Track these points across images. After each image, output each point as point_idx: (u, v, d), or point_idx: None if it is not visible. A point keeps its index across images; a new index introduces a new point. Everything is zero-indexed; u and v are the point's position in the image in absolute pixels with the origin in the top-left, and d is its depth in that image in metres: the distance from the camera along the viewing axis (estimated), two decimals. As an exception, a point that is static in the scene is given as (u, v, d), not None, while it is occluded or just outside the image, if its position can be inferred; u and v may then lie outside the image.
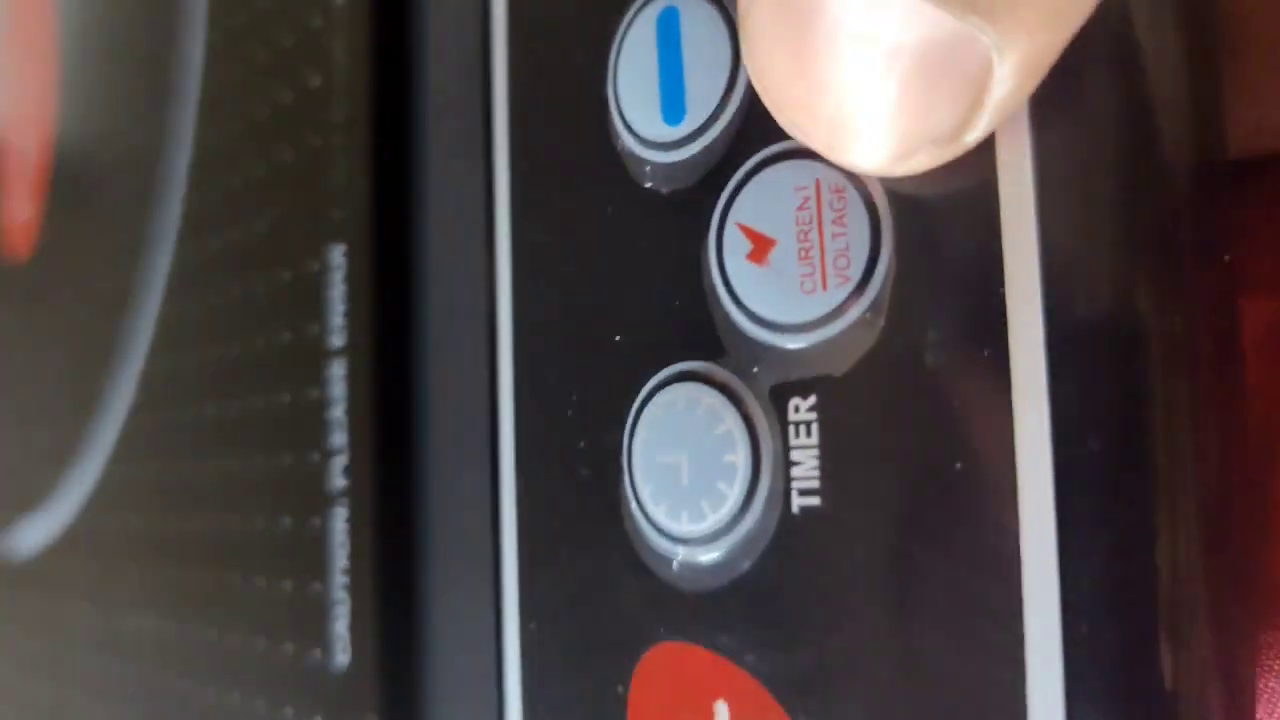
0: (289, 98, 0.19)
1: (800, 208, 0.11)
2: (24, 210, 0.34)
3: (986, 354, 0.10)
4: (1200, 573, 0.10)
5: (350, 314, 0.17)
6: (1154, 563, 0.10)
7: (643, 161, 0.13)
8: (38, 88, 0.33)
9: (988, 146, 0.10)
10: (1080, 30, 0.09)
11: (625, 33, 0.13)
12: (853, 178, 0.11)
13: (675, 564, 0.12)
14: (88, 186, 0.29)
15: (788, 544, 0.11)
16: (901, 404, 0.10)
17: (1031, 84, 0.09)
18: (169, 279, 0.23)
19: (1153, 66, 0.11)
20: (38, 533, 0.31)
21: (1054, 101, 0.10)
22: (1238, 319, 0.11)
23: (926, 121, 0.09)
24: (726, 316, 0.12)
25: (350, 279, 0.17)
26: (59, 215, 0.31)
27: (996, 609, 0.10)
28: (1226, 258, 0.11)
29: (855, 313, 0.11)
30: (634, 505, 0.12)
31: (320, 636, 0.17)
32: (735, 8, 0.12)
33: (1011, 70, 0.09)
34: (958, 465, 0.10)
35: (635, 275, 0.13)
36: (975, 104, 0.09)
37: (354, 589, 0.17)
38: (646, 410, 0.12)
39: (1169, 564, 0.10)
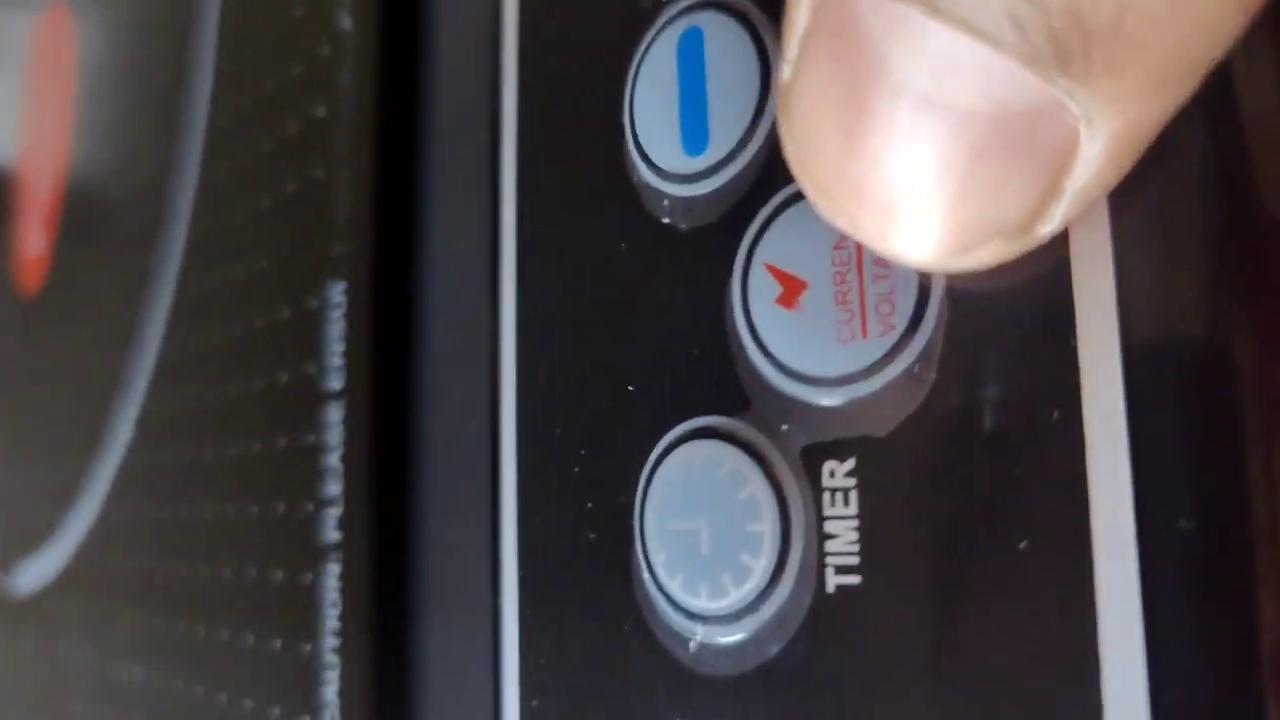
0: (294, 128, 0.18)
1: (837, 246, 0.10)
2: (37, 244, 0.34)
3: (1056, 416, 0.09)
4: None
5: (349, 355, 0.16)
6: (1259, 669, 0.08)
7: (661, 195, 0.11)
8: (55, 123, 0.33)
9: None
10: None
11: (644, 56, 0.12)
12: (897, 213, 0.10)
13: (693, 644, 0.11)
14: (96, 221, 0.29)
15: (821, 628, 0.10)
16: (956, 472, 0.09)
17: (1122, 167, 0.08)
18: (170, 315, 0.22)
19: (1244, 108, 0.09)
20: (38, 572, 0.30)
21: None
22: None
23: (994, 208, 0.08)
24: (752, 367, 0.10)
25: (349, 318, 0.16)
26: (69, 249, 0.31)
27: (1071, 716, 0.08)
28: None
29: (901, 365, 0.09)
30: (646, 575, 0.11)
31: (309, 702, 0.16)
32: (765, 25, 0.11)
33: (1101, 149, 0.08)
34: (1022, 545, 0.09)
35: (651, 319, 0.11)
36: (1053, 189, 0.08)
37: (345, 652, 0.16)
38: (660, 469, 0.11)
39: (1277, 672, 0.09)
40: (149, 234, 0.23)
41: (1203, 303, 0.09)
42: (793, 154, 0.09)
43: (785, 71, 0.09)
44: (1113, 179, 0.08)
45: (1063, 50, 0.07)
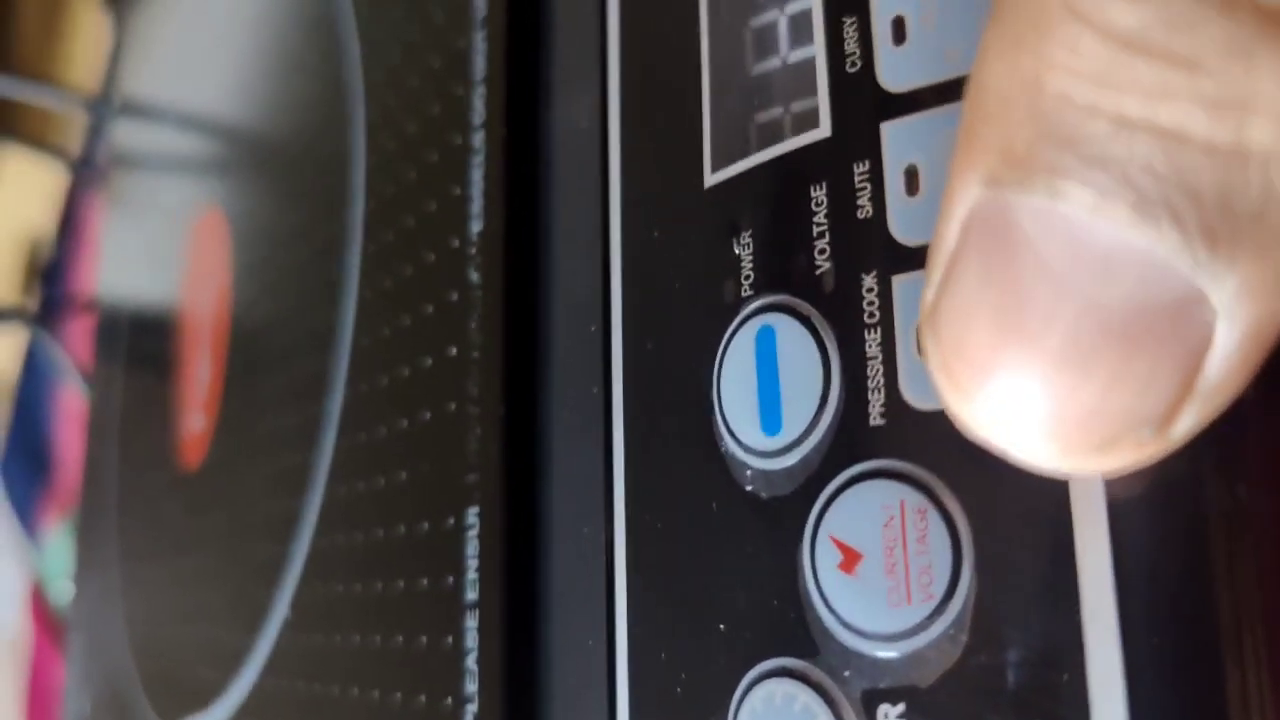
0: (428, 362, 0.22)
1: (886, 525, 0.12)
2: (198, 423, 0.38)
3: (1065, 679, 0.11)
4: None
5: (482, 571, 0.19)
6: None
7: (744, 465, 0.14)
8: (213, 326, 0.37)
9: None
10: None
11: (728, 343, 0.15)
12: (934, 500, 0.12)
13: None
14: (254, 413, 0.33)
15: None
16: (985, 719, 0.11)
17: (1250, 367, 0.08)
18: (321, 513, 0.25)
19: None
20: (195, 730, 0.33)
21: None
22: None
23: (1138, 403, 0.08)
24: (820, 620, 0.13)
25: (483, 538, 0.19)
26: (227, 433, 0.35)
27: None
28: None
29: (939, 629, 0.12)
30: (739, 793, 0.13)
31: None
32: (826, 330, 0.14)
33: (1235, 344, 0.08)
34: (1044, 787, 0.11)
35: (737, 571, 0.14)
36: (1186, 389, 0.08)
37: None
38: (747, 700, 0.13)
39: None
40: (303, 436, 0.27)
41: (1191, 590, 0.11)
42: (939, 368, 0.09)
43: (929, 295, 0.09)
44: (1241, 380, 0.08)
45: (1211, 237, 0.07)
